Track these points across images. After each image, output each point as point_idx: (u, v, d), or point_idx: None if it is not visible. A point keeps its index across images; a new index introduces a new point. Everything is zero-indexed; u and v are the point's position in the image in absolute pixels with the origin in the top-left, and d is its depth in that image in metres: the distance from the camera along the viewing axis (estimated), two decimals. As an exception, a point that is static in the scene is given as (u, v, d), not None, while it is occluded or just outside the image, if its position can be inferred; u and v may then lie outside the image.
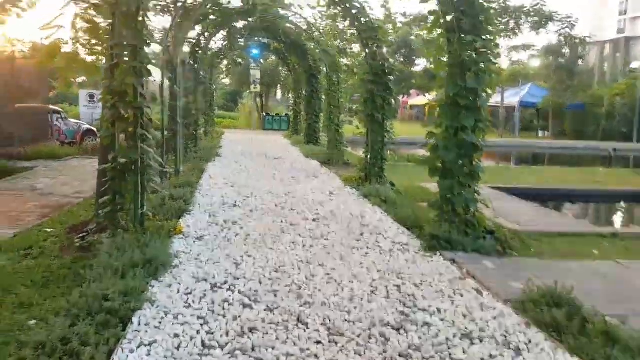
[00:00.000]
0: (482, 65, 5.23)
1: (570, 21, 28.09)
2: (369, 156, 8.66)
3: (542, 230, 6.05)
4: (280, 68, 26.33)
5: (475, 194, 5.43)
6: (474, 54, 5.19)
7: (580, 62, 32.63)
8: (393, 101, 8.58)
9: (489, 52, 5.31)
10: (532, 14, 25.57)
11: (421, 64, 32.50)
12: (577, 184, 10.18)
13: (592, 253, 5.30)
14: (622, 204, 9.48)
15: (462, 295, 3.85)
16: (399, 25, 28.22)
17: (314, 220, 6.20)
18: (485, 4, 5.24)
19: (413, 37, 29.37)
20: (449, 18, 5.32)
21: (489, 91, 5.37)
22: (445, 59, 5.48)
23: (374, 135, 8.50)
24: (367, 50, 8.29)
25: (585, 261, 4.93)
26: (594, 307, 3.48)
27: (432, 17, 5.49)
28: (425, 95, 35.93)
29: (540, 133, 33.76)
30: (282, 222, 6.02)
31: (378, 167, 8.68)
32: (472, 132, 5.21)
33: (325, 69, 12.36)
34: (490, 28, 5.33)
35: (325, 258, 4.64)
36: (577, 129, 31.61)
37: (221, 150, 14.02)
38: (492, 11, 5.26)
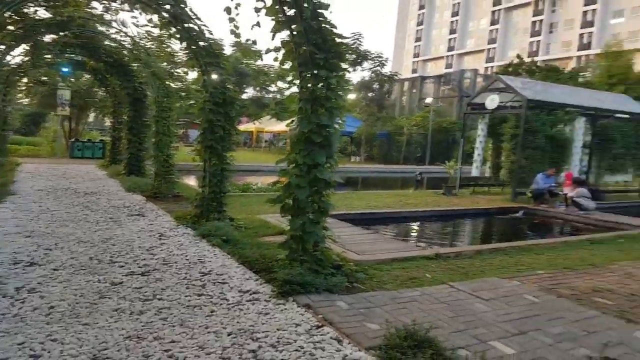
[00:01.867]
0: (334, 101, 5.18)
1: (381, 60, 31.59)
2: (206, 190, 8.02)
3: (380, 258, 6.23)
4: (96, 89, 23.67)
5: (324, 230, 5.31)
6: (326, 91, 5.11)
7: (387, 96, 36.85)
8: (234, 132, 8.14)
9: (339, 88, 5.29)
10: (350, 52, 27.99)
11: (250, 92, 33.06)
12: (396, 207, 11.07)
13: (426, 277, 5.59)
14: (436, 223, 10.59)
15: (323, 349, 3.56)
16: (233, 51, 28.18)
17: (142, 274, 5.24)
18: (337, 39, 5.21)
19: (243, 65, 29.65)
20: (301, 51, 5.16)
21: (339, 127, 5.33)
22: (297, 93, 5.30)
23: (213, 167, 7.92)
24: (205, 77, 7.72)
25: (424, 287, 5.14)
26: (452, 345, 3.53)
27: (283, 49, 5.24)
28: (254, 123, 36.39)
29: (353, 158, 37.18)
30: (99, 281, 4.90)
31: (217, 201, 8.08)
32: (324, 168, 5.10)
33: (152, 92, 11.31)
34: (342, 64, 5.32)
35: (162, 327, 3.86)
36: (383, 154, 35.80)
37: (15, 186, 11.32)
38: (343, 47, 5.26)
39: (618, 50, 42.14)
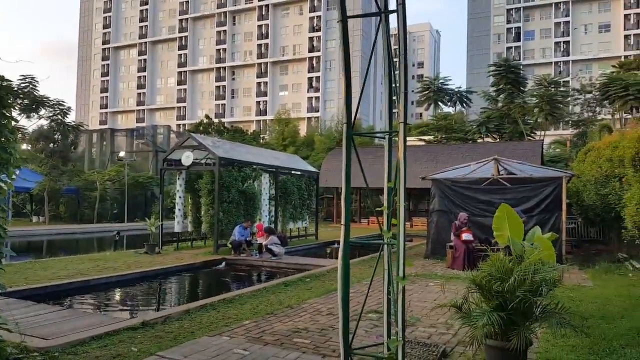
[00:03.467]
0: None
1: (63, 108, 28.40)
2: None
3: (74, 339, 5.29)
4: None
5: (-8, 319, 4.14)
6: None
7: (73, 148, 33.32)
8: None
9: (4, 138, 4.30)
10: (22, 96, 24.23)
11: None
12: (92, 273, 9.83)
13: (132, 351, 5.04)
14: (140, 286, 9.85)
15: None
16: None
17: None
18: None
19: None
20: None
21: (7, 186, 4.32)
22: None
23: None
24: None
25: (131, 367, 4.59)
26: None
27: None
28: None
29: (35, 218, 31.83)
30: None
31: None
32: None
33: None
34: (4, 112, 4.37)
35: None
36: (72, 212, 31.96)
37: None
38: (5, 89, 4.32)
39: (286, 118, 50.73)
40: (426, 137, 39.45)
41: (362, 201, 32.56)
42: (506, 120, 34.29)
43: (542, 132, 34.68)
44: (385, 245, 2.32)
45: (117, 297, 9.15)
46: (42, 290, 8.06)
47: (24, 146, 31.50)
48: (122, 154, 39.37)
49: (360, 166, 2.54)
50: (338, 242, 12.13)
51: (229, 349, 5.08)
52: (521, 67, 39.99)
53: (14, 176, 4.50)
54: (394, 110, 2.39)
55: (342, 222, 2.21)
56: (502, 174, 12.13)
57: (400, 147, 2.15)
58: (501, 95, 36.56)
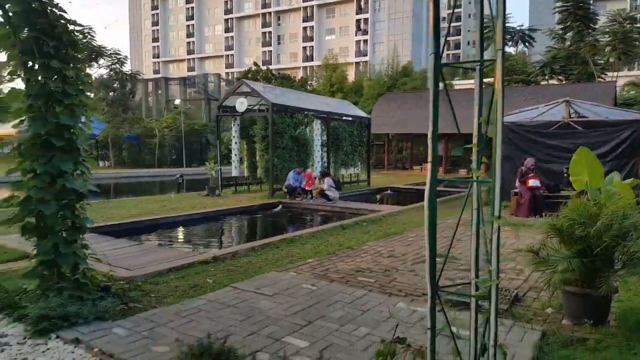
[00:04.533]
0: (75, 97, 4.37)
1: (120, 57, 29.14)
2: None
3: (153, 270, 5.69)
4: None
5: (84, 249, 4.50)
6: (62, 85, 4.27)
7: (131, 97, 34.41)
8: None
9: (80, 82, 4.50)
10: (81, 46, 24.96)
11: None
12: (161, 213, 10.40)
13: (207, 282, 5.37)
14: (205, 225, 10.36)
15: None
16: None
17: None
18: (69, 25, 4.40)
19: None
20: (22, 37, 4.18)
21: (87, 129, 4.55)
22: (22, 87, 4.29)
23: None
24: None
25: (208, 294, 4.91)
26: (250, 350, 3.41)
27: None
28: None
29: (101, 163, 33.70)
30: None
31: None
32: (73, 177, 4.29)
33: None
34: (78, 55, 4.54)
35: None
36: (135, 158, 33.47)
37: None
38: (77, 35, 4.46)
39: (333, 63, 49.55)
40: (485, 80, 37.53)
41: (414, 148, 32.06)
42: (574, 60, 31.94)
43: (615, 73, 32.20)
44: (475, 184, 2.28)
45: (186, 234, 9.68)
46: (118, 227, 8.65)
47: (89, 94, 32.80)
48: (177, 101, 40.34)
49: (450, 105, 2.46)
50: (391, 189, 12.19)
51: (298, 284, 5.32)
52: (591, 2, 36.72)
53: (91, 119, 4.72)
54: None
55: (429, 159, 2.18)
56: (573, 117, 11.40)
57: (497, 77, 2.07)
58: (569, 34, 33.94)
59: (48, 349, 3.52)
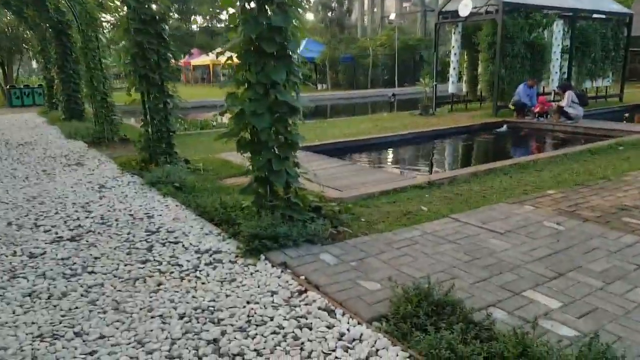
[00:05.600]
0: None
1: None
2: (150, 129, 6.76)
3: (364, 192, 5.26)
4: (22, 28, 20.97)
5: (295, 167, 4.23)
6: None
7: (348, 15, 34.62)
8: (172, 56, 6.73)
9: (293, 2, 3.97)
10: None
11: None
12: (373, 133, 10.04)
13: (422, 210, 4.68)
14: (418, 146, 9.66)
15: (310, 328, 2.61)
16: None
17: (72, 239, 4.15)
18: None
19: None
20: None
21: (299, 34, 4.06)
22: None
23: (153, 101, 6.62)
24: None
25: (423, 224, 4.23)
26: (480, 304, 2.64)
27: None
28: (208, 55, 33.68)
29: (319, 86, 35.43)
30: (15, 254, 3.83)
31: (165, 142, 6.91)
32: (284, 88, 3.92)
33: (76, 21, 9.50)
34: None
35: (88, 315, 2.82)
36: (349, 79, 34.13)
37: None
38: None
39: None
40: None
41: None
42: None
43: None
44: None
45: (398, 156, 9.15)
46: (332, 145, 8.58)
47: (308, 15, 34.19)
48: (392, 16, 39.06)
49: None
50: None
51: (538, 221, 4.22)
52: None
53: (298, 22, 4.18)
54: None
55: None
56: None
57: None
58: None
59: (257, 270, 3.36)
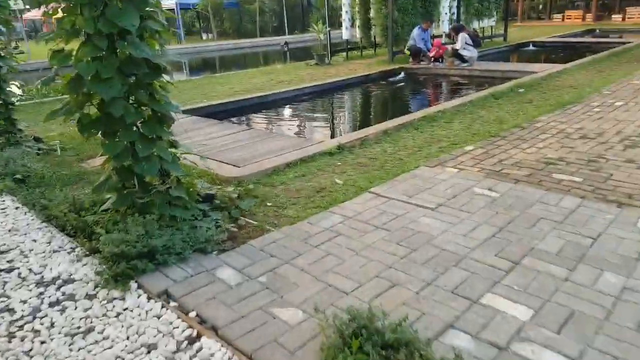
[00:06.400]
0: None
1: None
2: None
3: (267, 167, 4.37)
4: None
5: (173, 147, 3.20)
6: None
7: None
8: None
9: None
10: None
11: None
12: (267, 88, 9.03)
13: (337, 184, 3.95)
14: (318, 100, 8.84)
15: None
16: None
17: None
18: None
19: None
20: None
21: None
22: None
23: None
24: None
25: (342, 205, 3.48)
26: (440, 331, 1.95)
27: None
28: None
29: (204, 35, 32.83)
30: None
31: (2, 117, 5.44)
32: (141, 39, 2.81)
33: None
34: None
35: None
36: (236, 27, 32.00)
37: None
38: None
39: None
40: None
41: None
42: None
43: None
44: None
45: (299, 114, 8.25)
46: (222, 107, 7.45)
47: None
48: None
49: None
50: (533, 44, 9.15)
51: (466, 188, 3.66)
52: None
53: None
54: None
55: None
56: None
57: None
58: None
59: (125, 308, 2.37)
